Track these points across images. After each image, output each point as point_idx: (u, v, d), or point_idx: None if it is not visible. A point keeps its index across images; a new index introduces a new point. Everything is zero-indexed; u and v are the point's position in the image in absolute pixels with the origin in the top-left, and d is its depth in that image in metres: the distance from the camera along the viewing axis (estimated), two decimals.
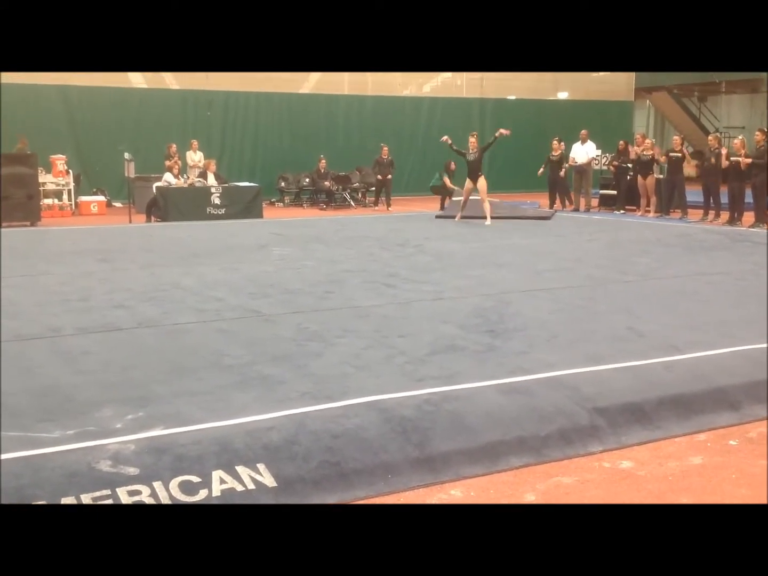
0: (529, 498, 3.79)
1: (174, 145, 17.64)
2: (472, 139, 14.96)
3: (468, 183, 14.77)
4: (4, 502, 3.40)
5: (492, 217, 14.68)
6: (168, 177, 16.41)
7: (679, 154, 16.10)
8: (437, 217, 16.14)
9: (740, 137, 15.68)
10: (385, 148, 19.26)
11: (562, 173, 17.83)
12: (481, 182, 14.62)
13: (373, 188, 20.06)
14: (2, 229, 14.15)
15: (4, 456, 3.80)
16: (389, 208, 18.96)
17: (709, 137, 16.37)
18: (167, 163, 16.88)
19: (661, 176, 16.92)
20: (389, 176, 19.27)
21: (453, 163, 17.40)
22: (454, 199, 16.71)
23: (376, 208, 19.37)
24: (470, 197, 15.07)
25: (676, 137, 17.46)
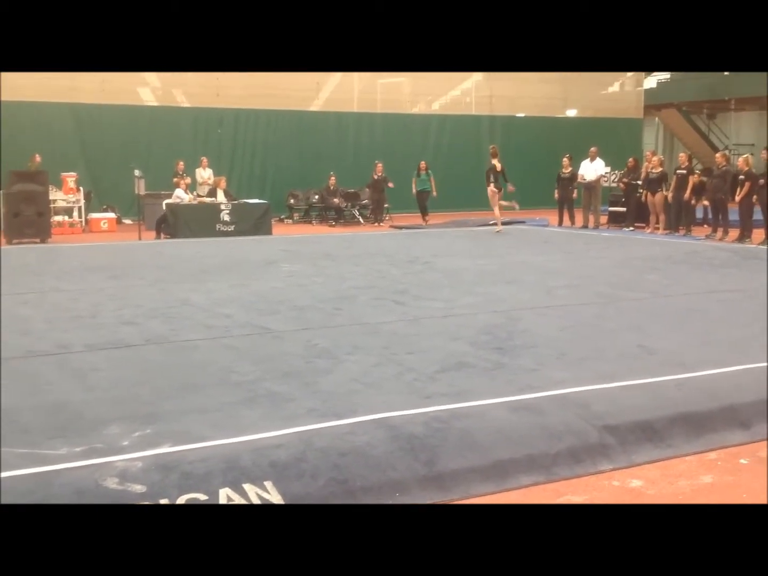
0: None
1: (181, 162, 17.74)
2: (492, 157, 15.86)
3: (492, 190, 15.43)
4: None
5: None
6: (179, 193, 16.48)
7: (685, 171, 16.11)
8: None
9: (745, 155, 15.69)
10: (379, 165, 19.38)
11: (572, 191, 17.91)
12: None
13: (386, 205, 20.25)
14: (13, 246, 14.25)
15: (13, 473, 3.80)
16: (380, 224, 19.40)
17: (717, 155, 16.40)
18: (175, 180, 16.98)
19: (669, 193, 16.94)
20: (382, 193, 19.57)
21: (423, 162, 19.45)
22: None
23: (376, 224, 19.58)
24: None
25: (682, 154, 17.47)
